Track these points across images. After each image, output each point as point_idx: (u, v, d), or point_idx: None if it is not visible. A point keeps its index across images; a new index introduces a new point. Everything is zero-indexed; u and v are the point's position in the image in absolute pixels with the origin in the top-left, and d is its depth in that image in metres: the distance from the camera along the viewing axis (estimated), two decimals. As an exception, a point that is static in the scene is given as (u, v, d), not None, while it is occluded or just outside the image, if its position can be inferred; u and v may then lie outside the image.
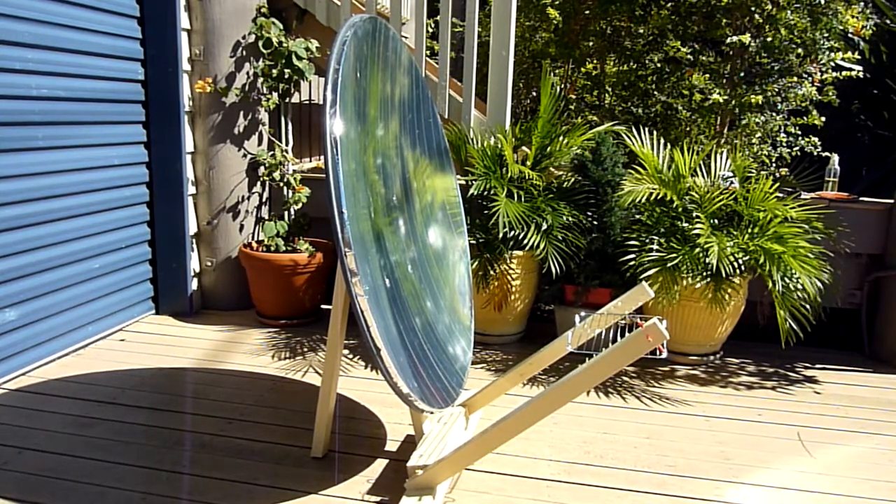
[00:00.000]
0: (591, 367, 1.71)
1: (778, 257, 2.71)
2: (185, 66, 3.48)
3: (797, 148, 4.80)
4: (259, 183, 3.74)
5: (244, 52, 3.55)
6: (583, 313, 2.15)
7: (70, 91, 2.95)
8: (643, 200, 2.88)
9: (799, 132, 4.87)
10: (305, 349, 3.23)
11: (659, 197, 2.89)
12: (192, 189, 3.61)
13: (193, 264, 3.69)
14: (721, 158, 3.22)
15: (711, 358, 3.22)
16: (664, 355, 1.71)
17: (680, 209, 2.91)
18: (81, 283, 3.12)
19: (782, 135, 4.85)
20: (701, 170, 3.11)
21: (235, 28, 3.52)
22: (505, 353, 3.29)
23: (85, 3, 3.01)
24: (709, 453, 2.37)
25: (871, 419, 2.71)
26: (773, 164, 4.84)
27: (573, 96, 5.44)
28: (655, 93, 5.07)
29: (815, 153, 4.80)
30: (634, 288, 2.13)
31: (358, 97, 1.83)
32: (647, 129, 5.02)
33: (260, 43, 3.46)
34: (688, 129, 4.99)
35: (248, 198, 3.72)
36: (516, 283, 3.20)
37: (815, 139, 4.78)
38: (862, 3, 4.29)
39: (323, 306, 3.73)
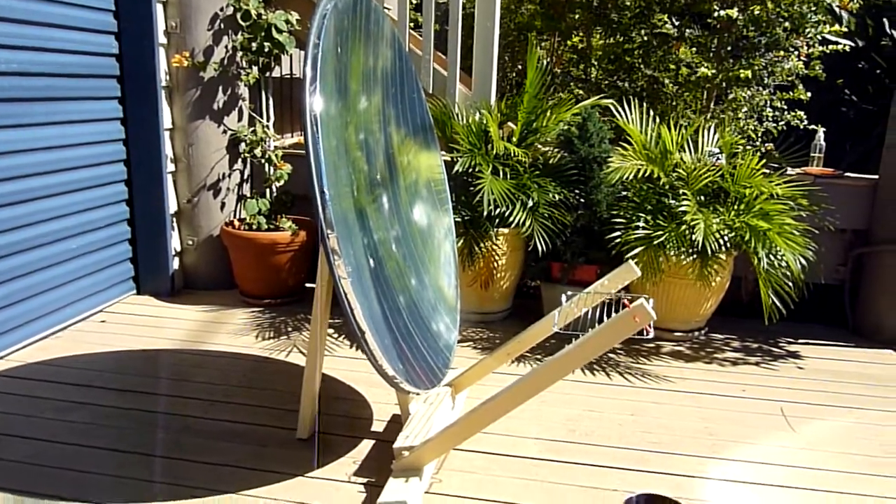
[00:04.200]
0: (577, 348, 1.70)
1: (763, 234, 2.70)
2: (161, 39, 3.37)
3: (783, 122, 4.79)
4: (240, 159, 3.67)
5: (222, 25, 3.46)
6: (569, 292, 2.13)
7: (40, 66, 2.85)
8: (630, 177, 2.85)
9: (785, 107, 4.86)
10: (290, 329, 3.20)
11: (646, 174, 2.86)
12: (171, 166, 3.53)
13: (174, 243, 3.62)
14: (708, 134, 3.20)
15: (696, 334, 3.23)
16: (651, 335, 1.69)
17: (667, 186, 2.89)
18: (59, 263, 3.05)
19: (768, 109, 4.83)
20: (688, 145, 3.08)
21: (213, 0, 3.41)
22: (491, 330, 3.27)
23: (54, -27, 2.90)
24: (693, 429, 2.38)
25: (853, 393, 2.73)
26: (760, 139, 4.83)
27: (559, 70, 5.38)
28: (642, 66, 5.03)
29: (802, 127, 4.79)
30: (621, 266, 2.12)
31: (339, 72, 1.77)
32: (634, 102, 5.00)
33: (238, 15, 3.36)
34: (674, 103, 4.96)
35: (229, 175, 3.65)
36: (502, 261, 3.18)
37: (801, 113, 4.76)
38: (849, -25, 4.24)
39: (307, 284, 3.69)
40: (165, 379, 2.64)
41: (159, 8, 3.34)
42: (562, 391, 2.63)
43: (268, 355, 2.90)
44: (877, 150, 5.58)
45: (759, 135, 4.81)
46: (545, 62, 5.49)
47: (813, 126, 4.80)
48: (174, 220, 3.61)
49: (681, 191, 2.88)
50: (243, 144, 3.57)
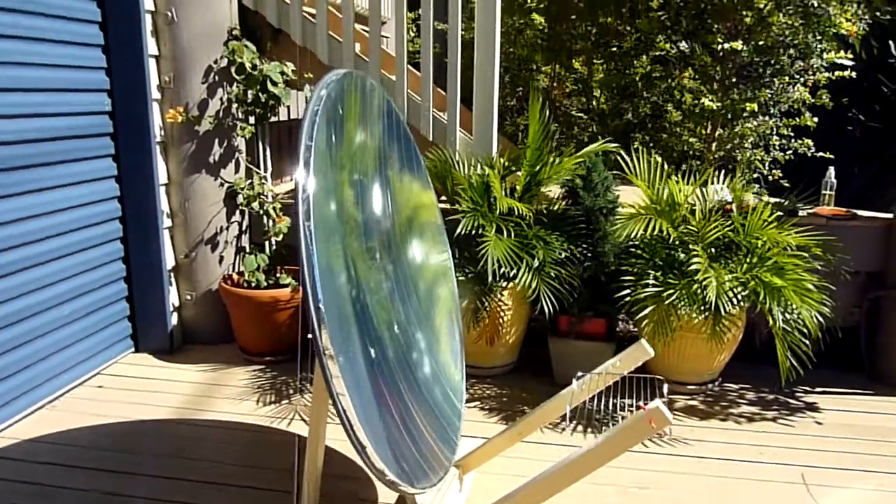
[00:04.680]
0: (589, 453, 1.61)
1: (778, 291, 2.61)
2: (155, 94, 3.31)
3: (790, 151, 4.70)
4: (238, 212, 3.60)
5: (217, 77, 3.39)
6: (580, 374, 2.05)
7: (31, 132, 2.78)
8: (639, 234, 2.76)
9: (791, 134, 4.77)
10: (291, 391, 3.12)
11: (655, 230, 2.77)
12: (167, 221, 3.46)
13: (172, 299, 3.55)
14: (718, 181, 3.11)
15: (710, 386, 3.14)
16: (667, 437, 1.60)
17: (676, 241, 2.80)
18: (55, 330, 2.98)
19: (775, 137, 4.75)
20: (699, 196, 2.99)
21: (206, 52, 3.35)
22: (499, 385, 3.19)
23: (44, 36, 2.83)
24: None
25: (875, 454, 2.63)
26: (767, 168, 4.74)
27: (562, 101, 5.29)
28: (645, 93, 4.95)
29: (809, 154, 4.70)
30: (633, 346, 2.03)
31: (335, 163, 1.70)
32: (638, 138, 4.92)
33: (232, 69, 3.29)
34: (679, 132, 4.88)
35: (227, 228, 3.58)
36: (507, 315, 3.09)
37: (809, 141, 4.67)
38: (855, 4, 4.15)
39: (309, 336, 3.60)
40: (158, 456, 2.55)
41: (152, 63, 3.27)
42: (573, 460, 2.53)
43: (269, 424, 2.81)
44: (884, 174, 5.50)
45: (767, 164, 4.72)
46: (546, 88, 5.42)
47: (821, 153, 4.73)
48: (172, 275, 3.53)
49: (690, 245, 2.79)
50: (241, 196, 3.50)
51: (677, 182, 2.97)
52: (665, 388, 1.71)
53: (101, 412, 2.89)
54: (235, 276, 3.52)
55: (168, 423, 2.81)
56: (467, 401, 3.02)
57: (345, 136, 1.79)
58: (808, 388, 3.19)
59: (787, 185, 4.71)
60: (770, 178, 4.77)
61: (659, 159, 3.06)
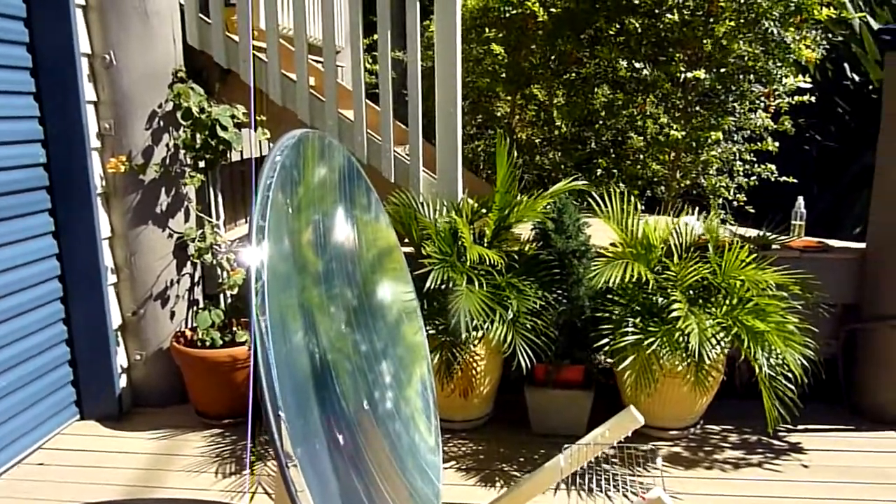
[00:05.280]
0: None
1: (762, 336, 2.52)
2: (94, 142, 3.08)
3: (753, 177, 4.68)
4: (189, 263, 3.37)
5: (162, 123, 3.18)
6: (566, 445, 1.90)
7: (-47, 194, 2.54)
8: (616, 280, 2.65)
9: (754, 159, 4.76)
10: (253, 457, 2.89)
11: (632, 277, 2.66)
12: (112, 278, 3.22)
13: (120, 360, 3.29)
14: (690, 214, 3.03)
15: (692, 430, 3.03)
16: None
17: (654, 287, 2.69)
18: (-15, 407, 2.72)
19: (738, 163, 4.73)
20: (674, 235, 2.90)
21: (150, 96, 3.14)
22: (474, 441, 3.02)
23: (-35, 88, 2.59)
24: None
25: (867, 499, 2.55)
26: (732, 194, 4.72)
27: (524, 130, 5.21)
28: (607, 121, 4.88)
29: (773, 179, 4.70)
30: (621, 413, 1.90)
31: (292, 240, 1.52)
32: (602, 164, 4.85)
33: (178, 113, 3.09)
34: (643, 158, 4.82)
35: (178, 281, 3.35)
36: (481, 366, 2.94)
37: (772, 166, 4.67)
38: (813, 32, 4.17)
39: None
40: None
41: (90, 109, 3.05)
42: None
43: (229, 501, 2.59)
44: (849, 194, 5.55)
45: (731, 190, 4.70)
46: (507, 122, 5.33)
47: (784, 178, 4.73)
48: (118, 334, 3.28)
49: (669, 290, 2.68)
50: (192, 247, 3.28)
51: (647, 218, 2.87)
52: (659, 461, 1.57)
53: (42, 495, 2.63)
54: (188, 333, 3.29)
55: (116, 506, 2.57)
56: (443, 460, 2.85)
57: (303, 184, 1.63)
58: (790, 427, 3.09)
59: (751, 210, 4.70)
60: (735, 202, 4.75)
61: (625, 194, 2.96)
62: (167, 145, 3.21)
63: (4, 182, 2.77)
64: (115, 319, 3.25)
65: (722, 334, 2.60)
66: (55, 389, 3.11)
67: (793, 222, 3.51)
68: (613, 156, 4.94)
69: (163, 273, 3.28)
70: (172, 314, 3.34)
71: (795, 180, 4.64)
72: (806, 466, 2.80)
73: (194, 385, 3.21)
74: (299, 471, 1.26)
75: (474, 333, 2.71)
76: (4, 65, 2.77)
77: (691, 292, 2.76)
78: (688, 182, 4.56)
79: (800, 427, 3.10)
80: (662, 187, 5.01)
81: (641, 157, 4.83)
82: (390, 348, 2.08)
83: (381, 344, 2.00)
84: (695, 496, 2.57)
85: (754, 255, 2.73)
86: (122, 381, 3.31)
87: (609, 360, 2.77)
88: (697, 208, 3.19)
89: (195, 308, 3.38)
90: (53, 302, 3.09)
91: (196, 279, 3.44)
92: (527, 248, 2.99)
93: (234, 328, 3.24)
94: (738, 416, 3.18)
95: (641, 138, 4.71)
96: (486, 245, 2.91)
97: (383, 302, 2.09)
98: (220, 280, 3.29)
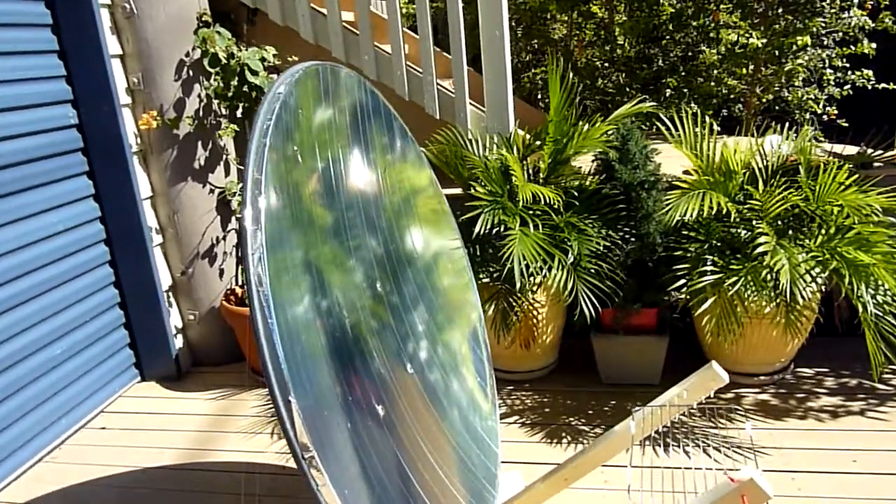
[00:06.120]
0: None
1: (866, 270, 2.17)
2: (124, 98, 2.94)
3: (847, 86, 4.15)
4: (233, 218, 3.25)
5: (191, 72, 3.00)
6: (637, 408, 1.67)
7: (-15, 162, 2.46)
8: (691, 214, 2.33)
9: (847, 65, 4.21)
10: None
11: (710, 207, 2.34)
12: (157, 238, 3.13)
13: (174, 320, 3.24)
14: (775, 137, 2.65)
15: (781, 375, 2.73)
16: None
17: (736, 218, 2.37)
18: (48, 372, 2.71)
19: (828, 70, 4.20)
20: (758, 155, 2.54)
21: (176, 45, 2.96)
22: (538, 392, 2.83)
23: (-17, 49, 2.47)
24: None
25: None
26: (822, 107, 4.20)
27: (583, 52, 4.78)
28: (676, 35, 4.41)
29: (870, 87, 4.15)
30: (702, 371, 1.64)
31: (295, 193, 1.32)
32: (671, 84, 4.40)
33: (205, 60, 2.90)
34: (717, 74, 4.35)
35: (224, 237, 3.24)
36: (542, 314, 2.71)
37: (869, 72, 4.12)
38: None
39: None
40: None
41: (116, 63, 2.90)
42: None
43: (285, 463, 2.51)
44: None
45: (821, 103, 4.19)
46: (564, 43, 4.91)
47: (883, 85, 4.17)
48: (170, 295, 3.22)
49: (753, 221, 2.35)
50: (234, 202, 3.15)
51: (725, 140, 2.51)
52: (749, 427, 1.32)
53: (104, 459, 2.62)
54: (239, 291, 3.20)
55: (171, 470, 2.53)
56: (503, 415, 2.68)
57: (303, 125, 1.41)
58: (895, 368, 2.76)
59: (845, 125, 4.19)
60: (825, 116, 4.24)
61: (699, 114, 2.60)
62: (199, 96, 3.04)
63: (37, 146, 2.67)
64: (165, 280, 3.18)
65: (817, 269, 2.26)
66: (113, 353, 3.09)
67: (898, 135, 3.05)
68: (683, 73, 4.49)
69: (207, 230, 3.17)
70: (221, 272, 3.25)
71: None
72: (917, 413, 2.48)
73: (247, 343, 3.13)
74: (318, 461, 1.09)
75: (531, 280, 2.47)
76: (24, 23, 2.64)
77: (779, 223, 2.42)
78: (770, 97, 4.08)
79: (908, 367, 2.75)
80: (740, 105, 4.54)
81: (715, 72, 4.37)
82: (431, 300, 1.88)
83: (419, 298, 1.79)
84: (786, 451, 2.30)
85: (855, 175, 2.35)
86: (179, 342, 3.27)
87: (686, 302, 2.49)
88: (781, 126, 2.80)
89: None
90: (102, 266, 3.03)
91: (242, 235, 3.33)
92: (588, 183, 2.69)
93: (284, 284, 3.12)
94: (834, 357, 2.85)
95: (715, 51, 4.24)
96: (540, 182, 2.63)
97: (416, 251, 1.87)
98: (266, 235, 3.16)
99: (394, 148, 1.82)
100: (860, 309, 2.19)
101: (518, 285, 2.33)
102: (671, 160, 2.76)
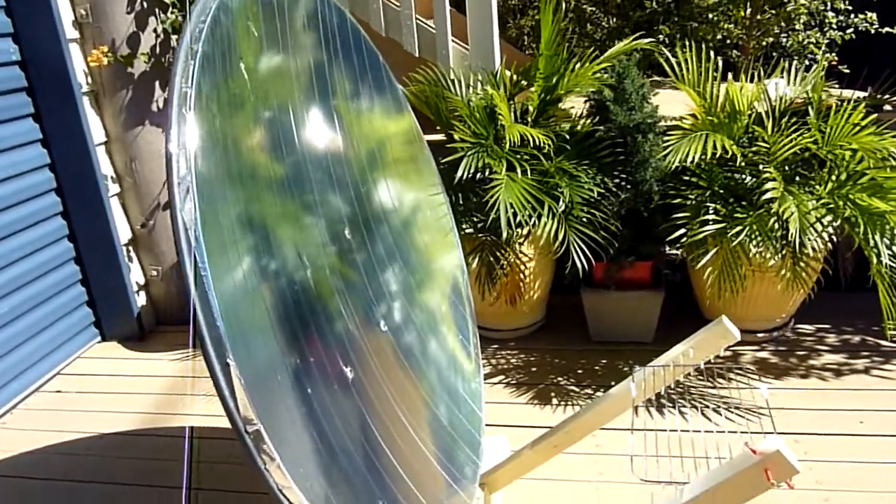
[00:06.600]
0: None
1: (881, 218, 2.00)
2: (71, 32, 2.66)
3: (850, 30, 3.93)
4: (197, 167, 3.00)
5: (145, 4, 2.72)
6: (637, 368, 1.50)
7: None
8: (695, 158, 2.14)
9: (850, 7, 3.99)
10: (280, 378, 2.62)
11: (714, 152, 2.14)
12: (114, 188, 2.89)
13: (136, 276, 3.03)
14: (780, 80, 2.45)
15: (782, 332, 2.58)
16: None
17: (742, 163, 2.18)
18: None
19: (830, 13, 3.97)
20: (764, 97, 2.34)
21: (127, -28, 2.67)
22: (525, 351, 2.67)
23: None
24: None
25: None
26: (822, 53, 3.99)
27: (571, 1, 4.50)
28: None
29: (873, 31, 3.94)
30: (711, 326, 1.47)
31: (232, 143, 1.10)
32: (664, 30, 4.15)
33: (160, -10, 2.63)
34: (713, 18, 4.11)
35: (187, 187, 2.99)
36: (530, 268, 2.53)
37: (872, 15, 3.90)
38: None
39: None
40: (117, 485, 2.10)
41: (61, -8, 2.61)
42: (627, 446, 2.03)
43: (253, 428, 2.33)
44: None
45: (822, 47, 3.98)
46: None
47: (887, 29, 3.96)
48: (130, 249, 3.00)
49: (760, 166, 2.16)
50: (198, 148, 2.90)
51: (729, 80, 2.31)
52: (765, 389, 1.16)
53: (59, 425, 2.43)
54: (204, 245, 2.97)
55: (134, 436, 2.35)
56: (487, 375, 2.51)
57: (244, 64, 1.19)
58: (900, 323, 2.62)
59: (846, 70, 3.98)
60: (826, 62, 4.02)
61: (703, 51, 2.38)
62: (155, 31, 2.76)
63: (-28, 83, 2.41)
64: (124, 233, 2.95)
65: (828, 218, 2.09)
66: (69, 311, 2.88)
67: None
68: (677, 18, 4.24)
69: (169, 179, 2.93)
70: (185, 225, 3.02)
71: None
72: (924, 371, 2.34)
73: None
74: (264, 435, 0.90)
75: (518, 231, 2.27)
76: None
77: (787, 168, 2.23)
78: (770, 39, 3.86)
79: (912, 323, 2.62)
80: (735, 51, 4.31)
81: (711, 15, 4.12)
82: (407, 257, 1.68)
83: (396, 254, 1.60)
84: (787, 411, 2.16)
85: (872, 115, 2.16)
86: (141, 299, 3.06)
87: (684, 254, 2.31)
88: (796, 66, 2.59)
89: (209, 217, 3.04)
90: (54, 217, 2.80)
91: (208, 185, 3.09)
92: (580, 126, 2.48)
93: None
94: (835, 312, 2.71)
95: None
96: (529, 123, 2.41)
97: (390, 204, 1.67)
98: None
99: (357, 96, 1.59)
100: (873, 260, 2.03)
101: (504, 236, 2.14)
102: (670, 104, 2.56)
